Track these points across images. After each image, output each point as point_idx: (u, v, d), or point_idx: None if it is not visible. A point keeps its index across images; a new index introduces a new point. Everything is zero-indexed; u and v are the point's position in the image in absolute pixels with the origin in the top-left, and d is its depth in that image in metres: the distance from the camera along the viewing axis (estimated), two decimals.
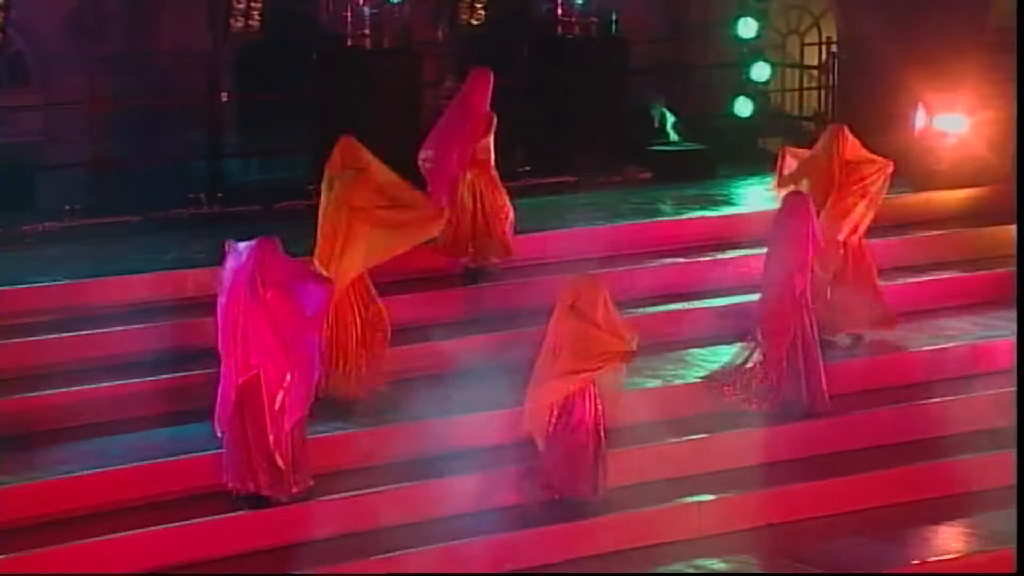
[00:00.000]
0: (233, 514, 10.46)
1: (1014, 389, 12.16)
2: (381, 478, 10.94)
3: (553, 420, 10.93)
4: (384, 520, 10.67)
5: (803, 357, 12.02)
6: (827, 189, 12.96)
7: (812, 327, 12.08)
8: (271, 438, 10.37)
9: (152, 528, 10.30)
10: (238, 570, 10.22)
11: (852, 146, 13.13)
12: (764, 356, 12.09)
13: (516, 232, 13.50)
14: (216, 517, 10.45)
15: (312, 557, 10.35)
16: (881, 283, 13.26)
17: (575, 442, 10.90)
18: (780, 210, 12.31)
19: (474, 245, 13.31)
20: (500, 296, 13.19)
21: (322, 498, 10.65)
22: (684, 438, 11.84)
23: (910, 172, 15.67)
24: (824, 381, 12.10)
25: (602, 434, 10.99)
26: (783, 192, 12.87)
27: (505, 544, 10.71)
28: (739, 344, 12.30)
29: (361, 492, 10.80)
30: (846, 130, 13.16)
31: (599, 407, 10.99)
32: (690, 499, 11.38)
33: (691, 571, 10.89)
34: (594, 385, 10.96)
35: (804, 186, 12.96)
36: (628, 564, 10.86)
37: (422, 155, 13.26)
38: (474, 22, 17.45)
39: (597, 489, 11.02)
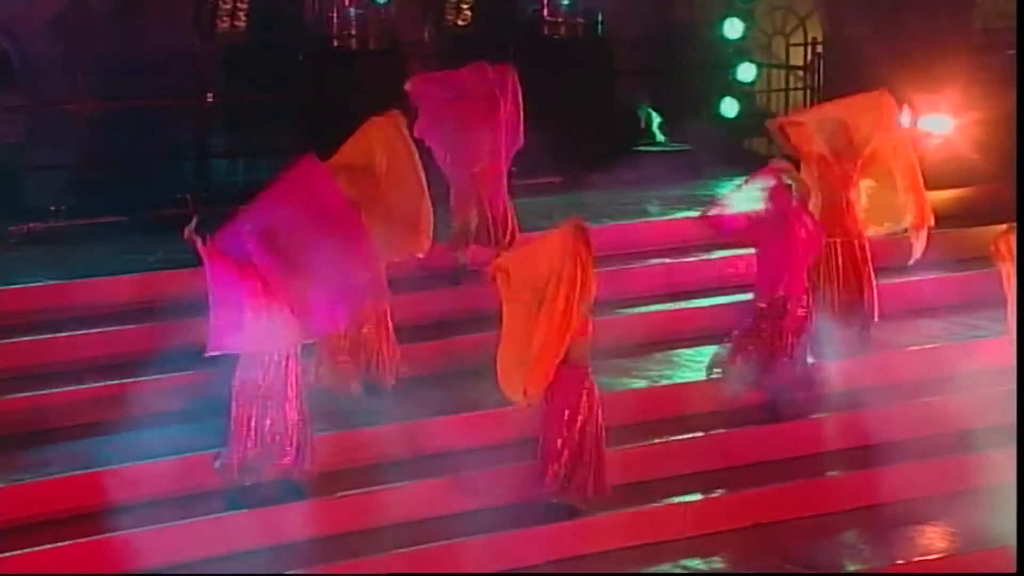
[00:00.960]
0: (224, 514, 10.47)
1: (1009, 388, 12.24)
2: (374, 478, 10.93)
3: (557, 420, 10.85)
4: (375, 520, 10.65)
5: (779, 358, 12.02)
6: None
7: (794, 330, 12.07)
8: None
9: (141, 529, 10.29)
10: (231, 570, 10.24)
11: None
12: (745, 354, 12.11)
13: None
14: (207, 517, 10.45)
15: (305, 557, 10.37)
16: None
17: (578, 441, 10.84)
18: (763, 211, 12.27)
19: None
20: (482, 297, 13.15)
21: (317, 498, 10.66)
22: (670, 438, 11.86)
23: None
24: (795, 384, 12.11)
25: (602, 433, 10.93)
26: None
27: (490, 545, 10.70)
28: (723, 343, 12.33)
29: (355, 492, 10.81)
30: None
31: (597, 404, 10.92)
32: (676, 499, 11.40)
33: (678, 571, 10.90)
34: (591, 382, 10.91)
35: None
36: (614, 565, 10.86)
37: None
38: (460, 22, 17.47)
39: (605, 487, 10.95)
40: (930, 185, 15.68)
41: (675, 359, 12.82)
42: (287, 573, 10.23)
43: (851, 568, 11.03)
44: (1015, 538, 10.48)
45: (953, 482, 11.74)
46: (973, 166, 15.70)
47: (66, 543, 10.11)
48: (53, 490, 10.51)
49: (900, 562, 11.17)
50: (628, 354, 12.66)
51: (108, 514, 10.29)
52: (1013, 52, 16.19)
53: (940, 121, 15.83)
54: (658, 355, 12.83)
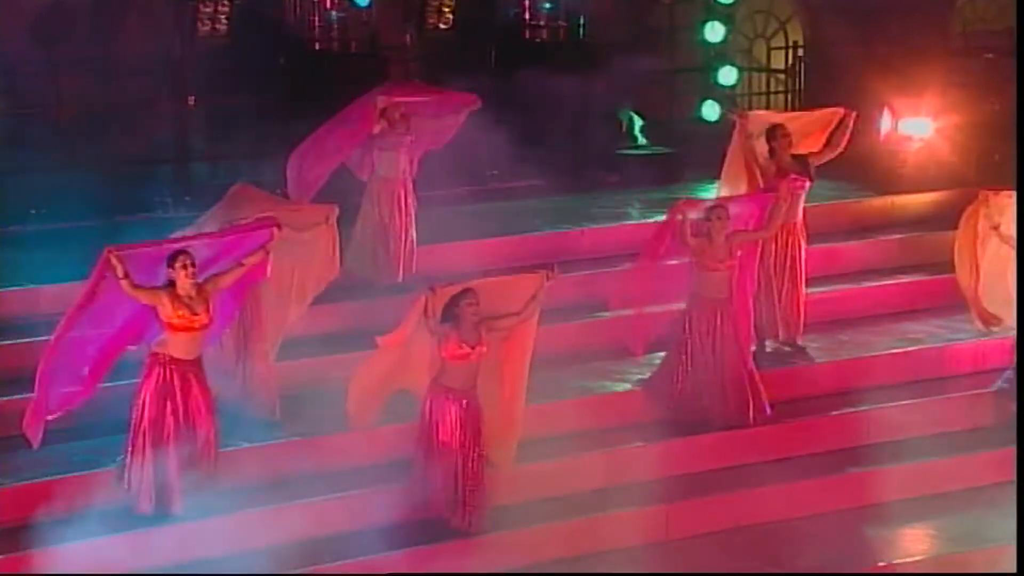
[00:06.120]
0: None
1: (997, 388, 12.34)
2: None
3: (419, 435, 10.59)
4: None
5: (723, 366, 11.98)
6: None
7: (732, 335, 12.01)
8: None
9: (116, 535, 10.28)
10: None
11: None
12: (685, 364, 12.08)
13: (482, 236, 13.55)
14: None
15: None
16: (826, 287, 13.38)
17: (441, 464, 10.57)
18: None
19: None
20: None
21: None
22: (652, 441, 11.86)
23: (874, 175, 15.77)
24: (752, 392, 12.03)
25: (477, 458, 10.58)
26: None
27: (464, 550, 10.68)
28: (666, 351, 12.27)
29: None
30: None
31: (474, 427, 10.58)
32: (658, 503, 11.40)
33: (663, 572, 10.92)
34: (468, 402, 10.61)
35: None
36: (598, 569, 10.86)
37: None
38: (442, 26, 17.46)
39: (470, 521, 10.60)
40: (907, 188, 15.76)
41: (656, 362, 12.82)
42: (287, 573, 10.20)
43: (832, 570, 11.03)
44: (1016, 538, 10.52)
45: (929, 486, 11.78)
46: (952, 170, 15.74)
47: (29, 551, 10.09)
48: (23, 495, 10.50)
49: (881, 564, 11.19)
50: (609, 357, 12.68)
51: (71, 521, 10.29)
52: (992, 56, 16.27)
53: (919, 125, 15.88)
54: (639, 358, 12.82)
